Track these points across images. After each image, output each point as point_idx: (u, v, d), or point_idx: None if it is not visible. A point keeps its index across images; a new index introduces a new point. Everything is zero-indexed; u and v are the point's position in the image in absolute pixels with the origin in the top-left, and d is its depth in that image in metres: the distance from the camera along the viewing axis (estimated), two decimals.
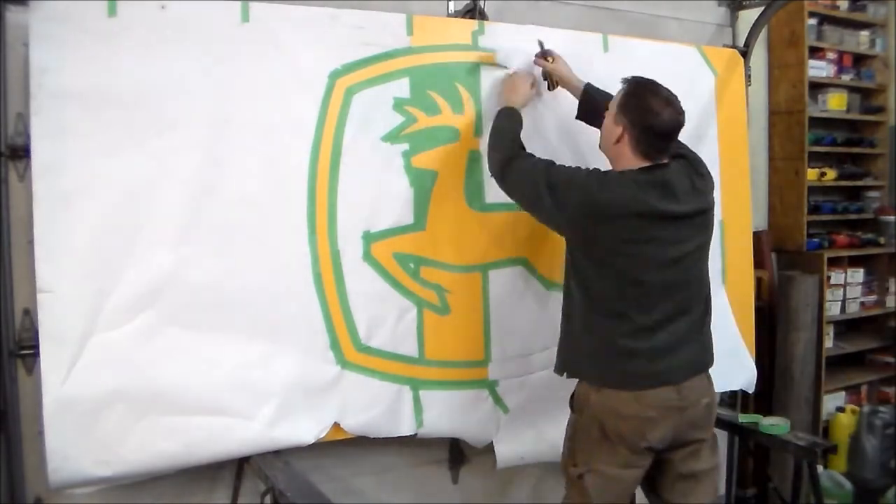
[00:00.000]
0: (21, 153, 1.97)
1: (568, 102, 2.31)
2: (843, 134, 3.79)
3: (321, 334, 2.13)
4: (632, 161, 1.90)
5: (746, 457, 3.22)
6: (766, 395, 3.31)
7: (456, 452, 2.63)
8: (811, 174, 3.52)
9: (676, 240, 1.89)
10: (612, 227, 1.85)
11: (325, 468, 2.34)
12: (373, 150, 2.18)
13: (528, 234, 2.36)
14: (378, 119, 2.19)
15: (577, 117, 2.27)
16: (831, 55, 3.67)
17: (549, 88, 2.35)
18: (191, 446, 1.97)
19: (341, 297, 2.15)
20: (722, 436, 2.75)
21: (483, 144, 2.27)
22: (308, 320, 2.11)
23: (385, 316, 2.21)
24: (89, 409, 1.86)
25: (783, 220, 3.55)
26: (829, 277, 3.51)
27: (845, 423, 3.48)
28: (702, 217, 1.96)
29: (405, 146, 2.22)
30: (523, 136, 2.13)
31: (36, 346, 1.90)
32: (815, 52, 3.58)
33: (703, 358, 1.99)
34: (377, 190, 2.19)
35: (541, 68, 2.32)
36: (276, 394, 2.07)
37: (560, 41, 2.40)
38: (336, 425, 2.15)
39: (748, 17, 3.11)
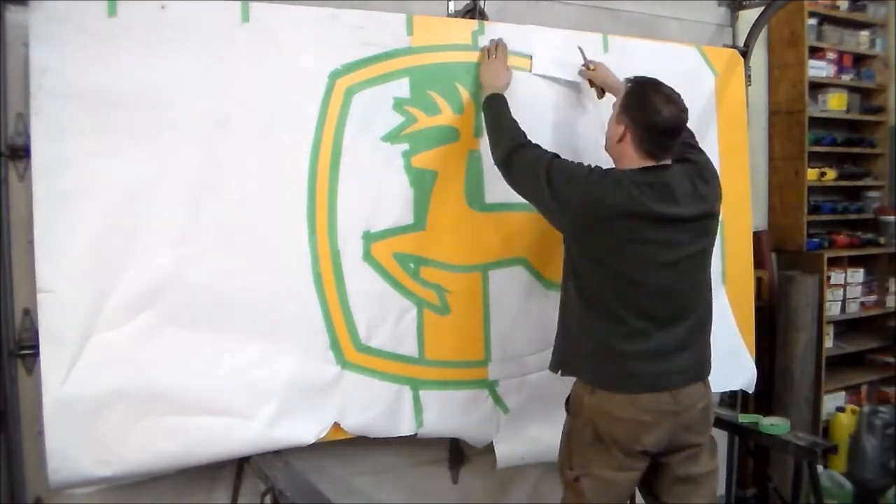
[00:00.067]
0: (21, 153, 1.97)
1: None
2: (843, 134, 3.79)
3: (321, 334, 2.13)
4: (634, 160, 1.89)
5: (746, 457, 3.23)
6: (766, 395, 3.31)
7: (456, 452, 2.63)
8: (811, 174, 3.52)
9: (674, 243, 1.87)
10: (607, 227, 1.84)
11: (325, 468, 2.34)
12: (373, 150, 2.18)
13: (528, 234, 2.36)
14: (378, 119, 2.19)
15: None
16: (831, 55, 3.67)
17: (597, 97, 2.36)
18: (191, 446, 1.97)
19: (341, 297, 2.15)
20: (722, 436, 2.76)
21: (483, 145, 2.27)
22: (308, 320, 2.11)
23: (385, 316, 2.21)
24: (89, 409, 1.86)
25: (783, 220, 3.55)
26: (829, 277, 3.51)
27: (845, 423, 3.48)
28: (702, 222, 1.93)
29: (405, 146, 2.22)
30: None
31: (36, 346, 1.90)
32: (815, 52, 3.58)
33: (701, 367, 1.96)
34: (377, 190, 2.19)
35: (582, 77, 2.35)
36: (276, 394, 2.07)
37: (560, 41, 2.41)
38: (336, 425, 2.15)
39: (748, 17, 3.11)
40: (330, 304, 2.14)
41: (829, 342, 3.58)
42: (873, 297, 3.82)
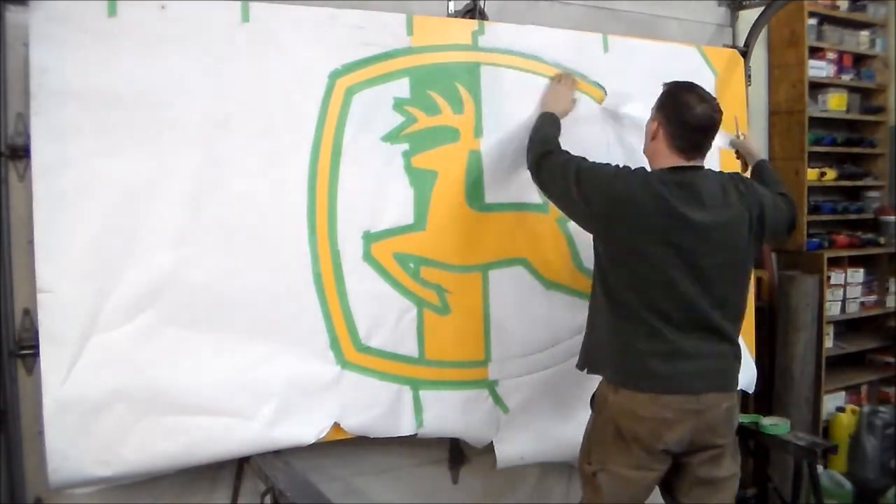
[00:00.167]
0: (21, 153, 1.97)
1: None
2: (843, 134, 3.79)
3: (321, 334, 2.13)
4: (667, 158, 1.91)
5: (746, 457, 3.21)
6: (766, 395, 3.31)
7: (456, 452, 2.63)
8: (811, 174, 3.52)
9: (696, 252, 1.85)
10: (629, 224, 1.86)
11: (325, 468, 2.34)
12: (373, 150, 2.18)
13: (528, 234, 2.36)
14: (378, 119, 2.19)
15: None
16: (831, 55, 3.67)
17: (741, 169, 2.36)
18: (191, 446, 1.97)
19: (341, 297, 2.15)
20: None
21: (483, 145, 2.28)
22: (308, 320, 2.11)
23: (385, 316, 2.21)
24: (89, 409, 1.86)
25: None
26: (829, 277, 3.51)
27: (845, 423, 3.48)
28: (729, 229, 1.89)
29: (405, 146, 2.22)
30: None
31: (36, 346, 1.90)
32: (815, 52, 3.58)
33: (723, 378, 1.95)
34: (377, 190, 2.19)
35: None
36: (276, 394, 2.07)
37: (560, 41, 2.41)
38: (336, 425, 2.15)
39: (748, 17, 3.11)
40: (330, 304, 2.14)
41: (829, 342, 3.58)
42: (873, 297, 3.82)
